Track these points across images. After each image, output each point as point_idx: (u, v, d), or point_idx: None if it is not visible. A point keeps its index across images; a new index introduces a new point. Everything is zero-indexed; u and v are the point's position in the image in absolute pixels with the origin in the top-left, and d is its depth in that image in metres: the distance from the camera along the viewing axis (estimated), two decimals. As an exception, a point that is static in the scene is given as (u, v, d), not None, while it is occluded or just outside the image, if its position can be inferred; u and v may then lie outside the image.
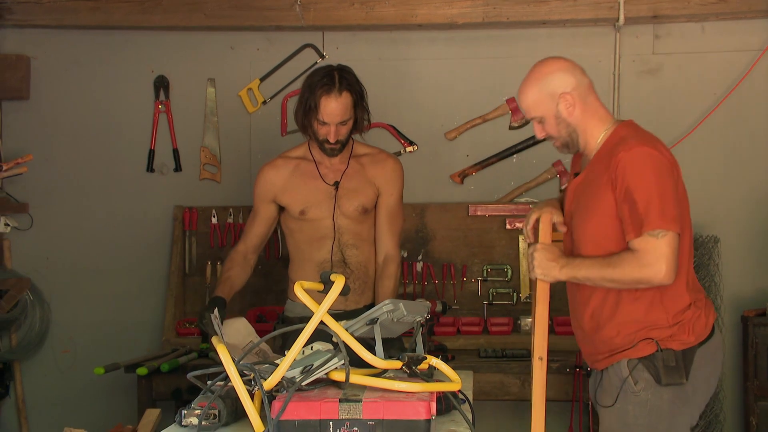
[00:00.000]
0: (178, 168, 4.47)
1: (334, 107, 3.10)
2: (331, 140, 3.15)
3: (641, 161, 2.48)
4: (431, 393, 2.08)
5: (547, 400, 2.63)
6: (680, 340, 2.53)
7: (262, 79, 4.46)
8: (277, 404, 1.98)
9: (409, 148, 4.40)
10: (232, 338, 2.81)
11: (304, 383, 2.05)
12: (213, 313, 2.64)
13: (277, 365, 2.09)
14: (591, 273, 2.54)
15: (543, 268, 2.60)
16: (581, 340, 2.74)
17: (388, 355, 2.28)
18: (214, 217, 4.39)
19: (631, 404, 2.55)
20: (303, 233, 3.28)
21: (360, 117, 3.20)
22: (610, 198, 2.51)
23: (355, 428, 1.96)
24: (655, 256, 2.43)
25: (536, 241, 2.68)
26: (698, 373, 2.55)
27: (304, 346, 2.15)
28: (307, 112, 3.14)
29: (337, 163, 3.27)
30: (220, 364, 2.07)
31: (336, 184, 3.24)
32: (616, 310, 2.57)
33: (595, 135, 2.61)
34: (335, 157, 3.23)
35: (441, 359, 2.33)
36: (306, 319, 2.22)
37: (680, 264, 2.53)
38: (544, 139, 2.71)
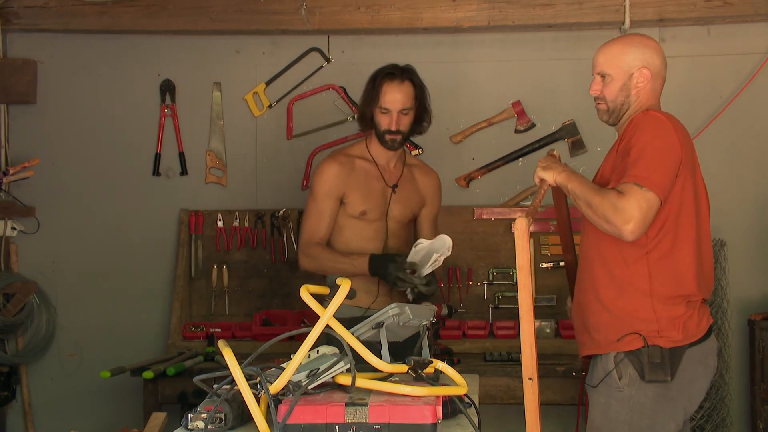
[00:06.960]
0: (184, 172, 4.48)
1: (395, 93, 3.19)
2: (393, 128, 3.20)
3: (650, 123, 2.52)
4: (437, 397, 2.07)
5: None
6: (668, 337, 2.50)
7: (267, 83, 4.46)
8: (283, 408, 1.98)
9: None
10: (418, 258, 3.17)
11: (310, 387, 2.05)
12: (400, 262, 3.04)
13: (283, 369, 2.09)
14: (579, 189, 2.52)
15: (548, 163, 2.62)
16: (575, 315, 2.74)
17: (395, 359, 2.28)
18: (220, 220, 4.39)
19: (614, 399, 2.55)
20: (354, 232, 3.30)
21: (421, 113, 3.28)
22: (614, 154, 2.56)
23: (361, 432, 1.96)
24: (634, 205, 2.40)
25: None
26: (685, 374, 2.52)
27: (310, 350, 2.15)
28: (369, 102, 3.23)
29: (392, 167, 3.34)
30: (227, 367, 2.07)
31: (394, 187, 3.31)
32: (609, 287, 2.56)
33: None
34: (394, 150, 3.28)
35: (447, 363, 2.33)
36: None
37: (687, 253, 2.53)
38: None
